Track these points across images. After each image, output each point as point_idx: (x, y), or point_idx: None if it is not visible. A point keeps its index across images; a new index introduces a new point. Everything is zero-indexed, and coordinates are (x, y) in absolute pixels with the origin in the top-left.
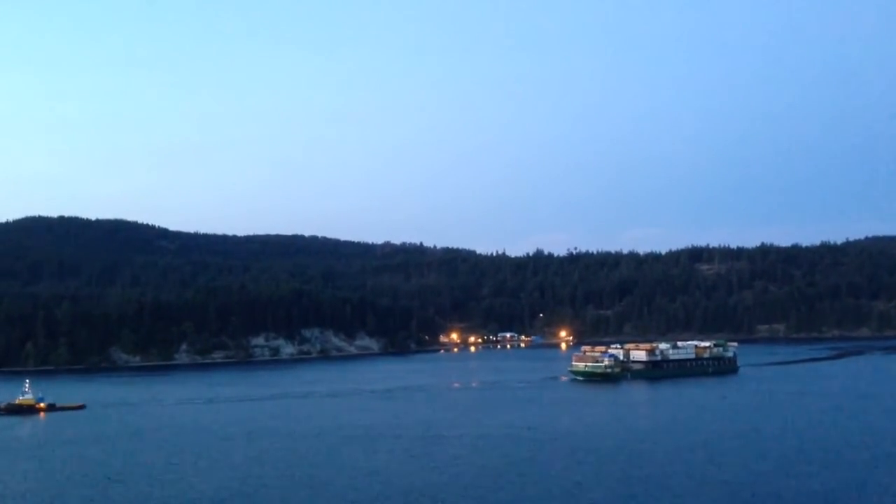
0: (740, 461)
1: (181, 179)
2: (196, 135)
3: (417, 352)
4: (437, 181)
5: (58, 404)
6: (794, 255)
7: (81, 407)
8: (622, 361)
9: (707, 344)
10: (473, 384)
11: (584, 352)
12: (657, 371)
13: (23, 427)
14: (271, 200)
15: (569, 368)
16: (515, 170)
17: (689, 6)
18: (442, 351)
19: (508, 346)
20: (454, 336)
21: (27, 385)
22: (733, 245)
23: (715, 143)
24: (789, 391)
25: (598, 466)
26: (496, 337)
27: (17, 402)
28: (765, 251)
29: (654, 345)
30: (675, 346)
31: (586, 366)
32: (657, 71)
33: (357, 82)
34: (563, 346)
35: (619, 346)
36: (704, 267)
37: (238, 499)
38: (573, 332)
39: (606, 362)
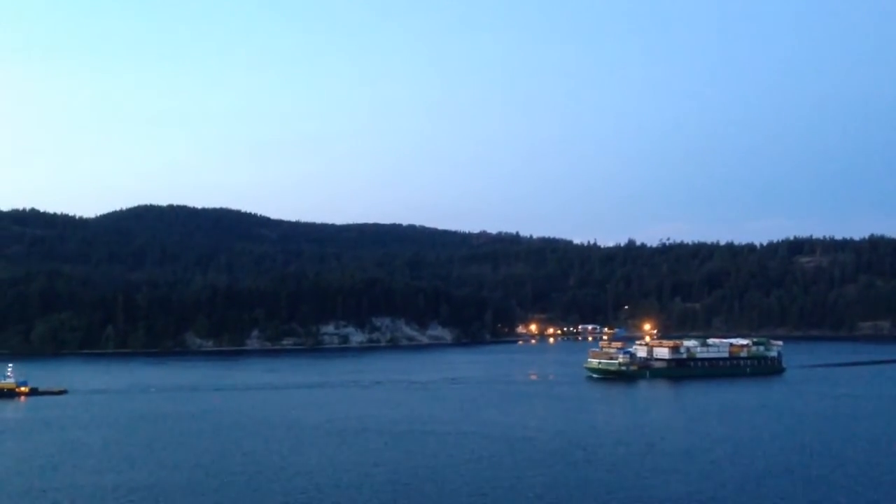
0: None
1: (288, 170)
2: (303, 127)
3: (492, 343)
4: (538, 171)
5: (40, 388)
6: None
7: (63, 392)
8: (643, 359)
9: (745, 342)
10: (518, 377)
11: (602, 347)
12: (682, 370)
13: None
14: (375, 190)
15: (584, 365)
16: (620, 160)
17: None
18: (520, 342)
19: (590, 339)
20: (532, 327)
21: (10, 369)
22: (839, 236)
23: (827, 132)
24: (819, 393)
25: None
26: (576, 329)
27: None
28: (874, 243)
29: (680, 342)
30: (704, 344)
31: (600, 362)
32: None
33: (455, 74)
34: (647, 339)
35: (643, 342)
36: (805, 259)
37: (144, 490)
38: (658, 326)
39: (621, 359)
